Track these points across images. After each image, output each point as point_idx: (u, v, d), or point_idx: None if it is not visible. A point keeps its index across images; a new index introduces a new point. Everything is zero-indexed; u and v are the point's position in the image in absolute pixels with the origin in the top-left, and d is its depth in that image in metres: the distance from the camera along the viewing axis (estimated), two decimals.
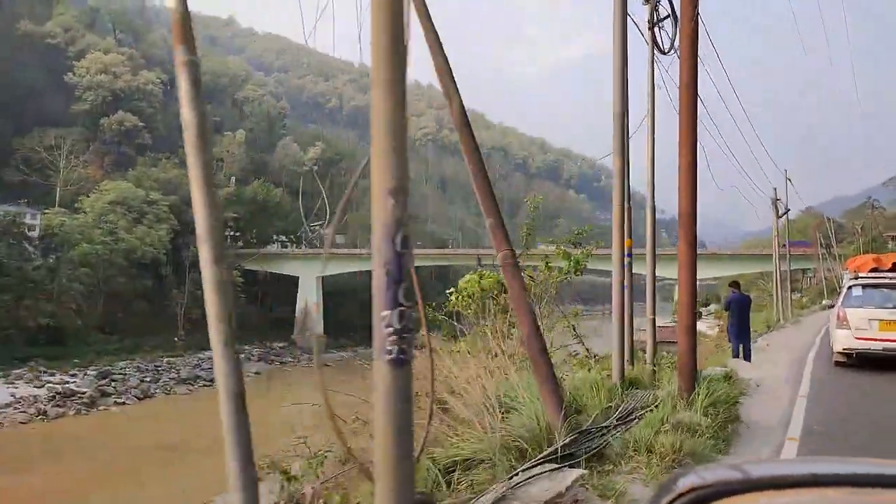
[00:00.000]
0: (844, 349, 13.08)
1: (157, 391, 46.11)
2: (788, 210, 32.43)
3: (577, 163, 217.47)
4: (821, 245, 47.19)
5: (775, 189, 32.09)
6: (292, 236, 74.56)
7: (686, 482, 1.17)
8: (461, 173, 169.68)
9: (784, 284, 30.43)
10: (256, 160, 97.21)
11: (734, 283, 16.50)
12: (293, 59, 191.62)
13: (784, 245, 64.59)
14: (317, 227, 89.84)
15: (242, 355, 54.09)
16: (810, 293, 55.24)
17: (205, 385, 49.83)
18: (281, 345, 65.31)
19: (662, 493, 1.20)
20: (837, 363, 13.49)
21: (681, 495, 1.15)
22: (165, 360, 52.47)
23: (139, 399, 43.80)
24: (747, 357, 15.31)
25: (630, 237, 11.24)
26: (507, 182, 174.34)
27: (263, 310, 67.37)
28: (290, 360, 62.87)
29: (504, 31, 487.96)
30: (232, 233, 72.57)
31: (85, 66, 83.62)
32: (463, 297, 11.84)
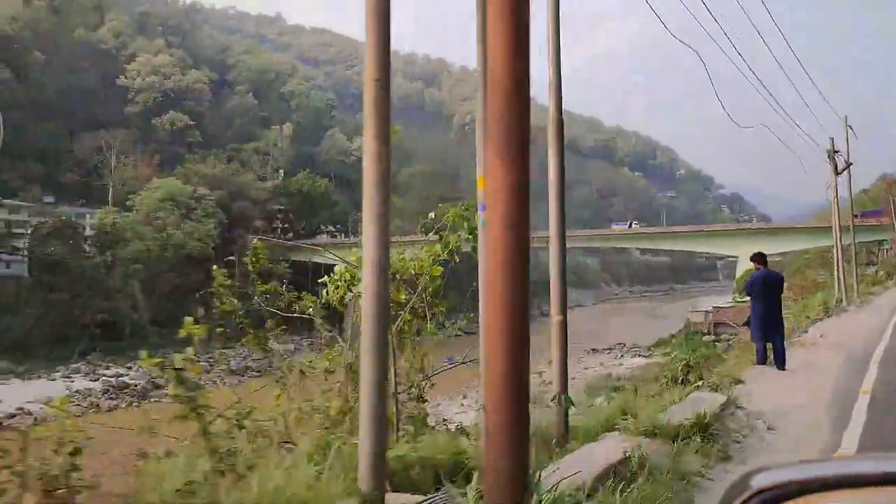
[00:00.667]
0: None
1: (207, 382, 46.37)
2: (850, 164, 27.96)
3: (629, 139, 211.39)
4: None
5: (832, 139, 27.90)
6: (339, 226, 74.40)
7: (757, 482, 1.16)
8: None
9: (847, 257, 27.41)
10: (304, 153, 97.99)
11: (757, 256, 11.76)
12: (339, 51, 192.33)
13: (854, 215, 60.50)
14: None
15: (292, 346, 54.36)
16: (886, 266, 50.98)
17: (253, 376, 50.08)
18: (329, 334, 65.42)
19: (733, 493, 1.17)
20: None
21: (753, 495, 1.13)
22: (218, 352, 53.02)
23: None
24: (780, 361, 10.89)
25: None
26: None
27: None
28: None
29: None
30: (281, 224, 73.10)
31: (136, 68, 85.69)
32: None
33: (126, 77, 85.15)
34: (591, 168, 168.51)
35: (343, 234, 73.05)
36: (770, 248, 62.31)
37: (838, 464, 1.54)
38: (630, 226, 58.77)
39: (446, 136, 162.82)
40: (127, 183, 57.70)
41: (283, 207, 68.88)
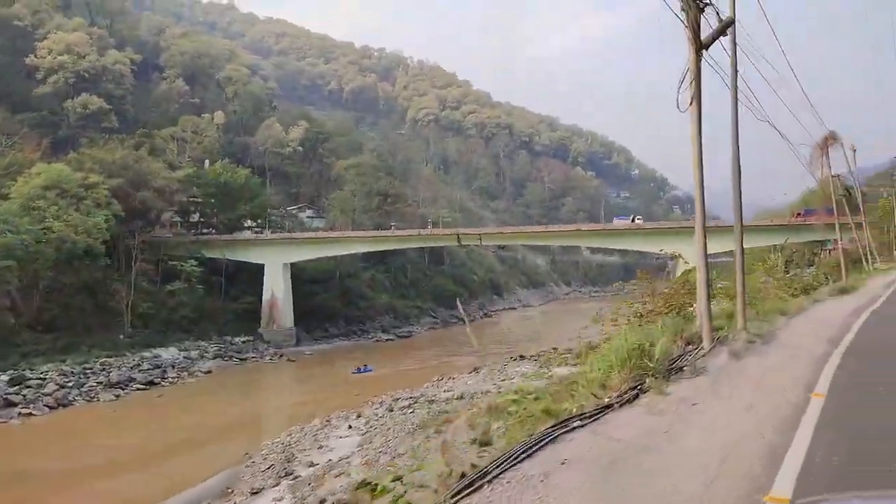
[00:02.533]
0: None
1: (78, 399, 39.95)
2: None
3: (585, 139, 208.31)
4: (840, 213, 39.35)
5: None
6: (259, 221, 68.07)
7: None
8: (464, 153, 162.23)
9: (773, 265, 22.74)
10: (238, 142, 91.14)
11: None
12: (292, 42, 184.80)
13: (798, 213, 57.09)
14: (295, 211, 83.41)
15: (195, 352, 46.85)
16: (825, 268, 46.82)
17: (138, 389, 43.73)
18: (244, 339, 58.99)
19: None
20: None
21: None
22: (100, 361, 46.34)
23: (51, 408, 37.66)
24: None
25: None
26: (512, 160, 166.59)
27: (228, 301, 61.06)
28: (252, 355, 56.51)
29: (518, 12, 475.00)
30: (198, 218, 66.37)
31: (47, 46, 77.84)
32: None
33: (36, 56, 77.06)
34: (545, 166, 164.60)
35: (262, 230, 66.73)
36: (717, 246, 58.45)
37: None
38: (633, 220, 54.15)
39: (397, 131, 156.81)
40: (11, 170, 50.42)
41: (196, 199, 62.18)
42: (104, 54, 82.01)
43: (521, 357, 49.15)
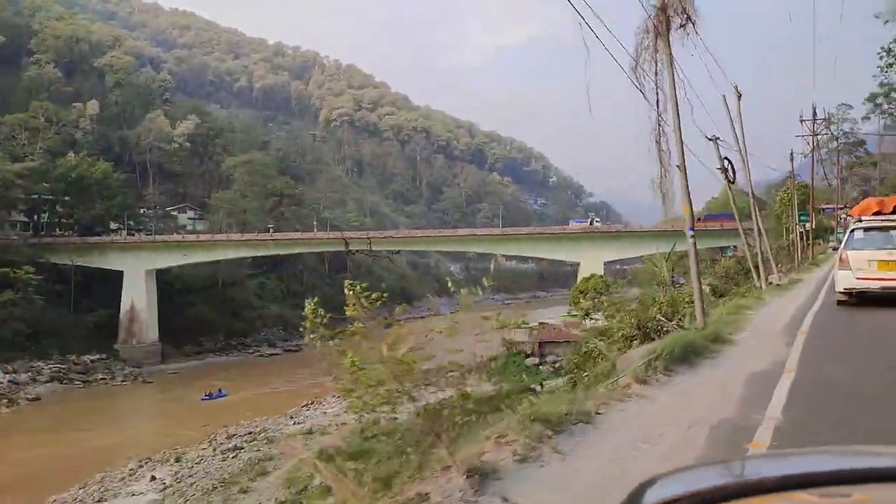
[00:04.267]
0: (845, 289, 12.90)
1: None
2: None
3: (504, 145, 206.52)
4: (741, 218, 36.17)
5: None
6: (130, 223, 59.78)
7: (653, 496, 1.04)
8: (380, 156, 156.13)
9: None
10: (114, 136, 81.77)
11: None
12: (198, 35, 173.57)
13: (698, 219, 54.73)
14: (175, 212, 75.10)
15: (26, 375, 38.36)
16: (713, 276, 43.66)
17: None
18: (96, 357, 50.81)
19: None
20: (839, 302, 12.99)
21: None
22: None
23: None
24: None
25: None
26: (429, 164, 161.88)
27: (81, 314, 52.64)
28: (102, 377, 48.55)
29: (439, 16, 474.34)
30: (46, 218, 57.50)
31: None
32: None
33: None
34: (461, 171, 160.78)
35: (124, 232, 58.38)
36: (615, 252, 54.93)
37: (736, 468, 1.29)
38: (591, 223, 49.64)
39: (308, 131, 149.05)
40: None
41: (43, 196, 53.53)
42: None
43: None
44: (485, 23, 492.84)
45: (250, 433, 29.07)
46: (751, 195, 23.80)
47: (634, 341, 13.71)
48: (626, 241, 50.84)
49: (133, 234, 59.17)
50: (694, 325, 11.12)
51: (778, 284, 19.52)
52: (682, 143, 11.63)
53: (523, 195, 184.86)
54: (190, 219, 76.19)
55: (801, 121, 39.59)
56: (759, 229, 22.72)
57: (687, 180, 11.76)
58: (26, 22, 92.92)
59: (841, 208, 43.42)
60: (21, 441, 32.70)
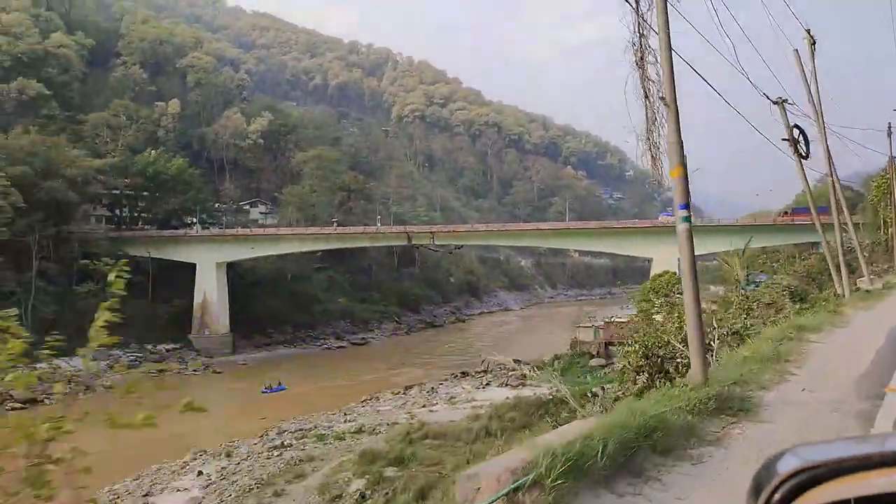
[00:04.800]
0: None
1: None
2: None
3: (579, 139, 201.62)
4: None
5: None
6: (198, 217, 61.38)
7: (787, 464, 1.04)
8: (450, 151, 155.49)
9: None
10: (195, 134, 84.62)
11: None
12: (277, 36, 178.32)
13: (784, 213, 49.80)
14: (247, 207, 76.85)
15: (105, 363, 40.65)
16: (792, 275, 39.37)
17: (14, 409, 37.25)
18: (171, 347, 52.49)
19: (763, 478, 1.04)
20: None
21: (785, 480, 1.01)
22: None
23: None
24: None
25: None
26: (500, 158, 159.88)
27: (156, 304, 54.49)
28: (174, 366, 49.90)
29: (517, 10, 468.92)
30: (127, 212, 59.88)
31: None
32: None
33: None
34: (532, 165, 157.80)
35: (200, 226, 59.99)
36: (700, 247, 51.43)
37: (878, 441, 1.22)
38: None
39: (380, 127, 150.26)
40: None
41: (122, 192, 55.70)
42: (48, 37, 75.67)
43: (464, 374, 42.60)
44: (563, 14, 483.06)
45: (301, 430, 28.67)
46: (830, 173, 19.90)
47: (641, 375, 10.23)
48: (704, 236, 47.69)
49: (207, 228, 60.74)
50: (686, 382, 7.06)
51: (867, 290, 16.64)
52: (671, 60, 7.91)
53: (598, 189, 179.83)
54: (261, 213, 77.87)
55: None
56: (840, 221, 19.39)
57: (679, 124, 7.91)
58: (115, 26, 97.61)
59: None
60: (85, 429, 33.72)
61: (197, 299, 54.21)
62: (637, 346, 10.42)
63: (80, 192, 50.46)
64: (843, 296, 16.28)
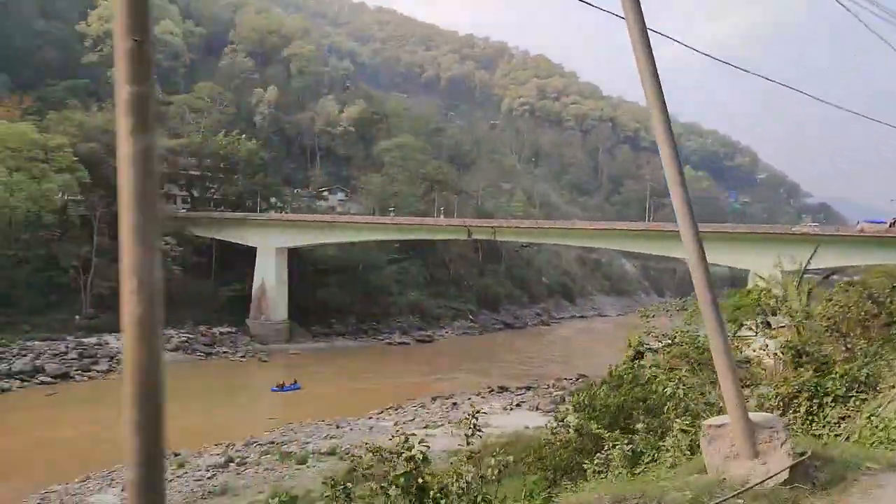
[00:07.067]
0: None
1: None
2: None
3: (704, 138, 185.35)
4: None
5: None
6: (273, 201, 59.75)
7: None
8: (558, 146, 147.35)
9: None
10: (291, 121, 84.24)
11: None
12: (396, 30, 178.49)
13: None
14: (326, 194, 74.77)
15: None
16: None
17: (42, 382, 36.47)
18: (226, 330, 50.88)
19: None
20: None
21: None
22: (27, 344, 39.67)
23: None
24: None
25: None
26: (611, 155, 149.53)
27: (218, 286, 53.31)
28: (224, 350, 48.28)
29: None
30: (196, 193, 59.36)
31: (98, 14, 74.78)
32: None
33: (87, 24, 74.20)
34: (647, 164, 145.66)
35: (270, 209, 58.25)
36: (813, 261, 41.83)
37: None
38: (891, 225, 36.98)
39: (487, 120, 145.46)
40: None
41: (192, 172, 55.07)
42: (156, 24, 78.05)
43: (503, 389, 36.81)
44: (707, 11, 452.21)
45: (274, 442, 24.60)
46: None
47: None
48: (830, 248, 38.64)
49: (279, 212, 59.03)
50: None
51: None
52: None
53: (721, 192, 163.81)
54: (339, 200, 75.72)
55: None
56: None
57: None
58: (230, 17, 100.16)
59: None
60: (92, 412, 31.88)
61: (255, 284, 52.39)
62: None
63: None
64: None
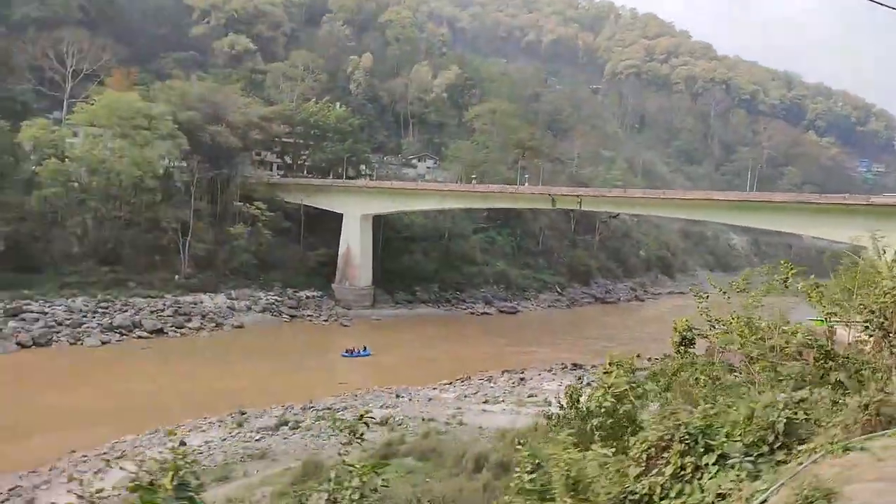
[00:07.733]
0: None
1: (62, 339, 36.13)
2: None
3: (834, 100, 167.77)
4: None
5: None
6: (361, 168, 60.13)
7: None
8: (665, 111, 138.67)
9: None
10: (382, 87, 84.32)
11: None
12: None
13: None
14: (415, 161, 74.36)
15: (245, 302, 40.29)
16: None
17: (139, 336, 38.96)
18: (312, 294, 52.13)
19: None
20: None
21: None
22: (130, 300, 42.46)
23: (24, 347, 34.30)
24: None
25: None
26: (724, 120, 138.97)
27: (306, 251, 54.69)
28: (308, 313, 49.59)
29: None
30: (288, 159, 60.81)
31: None
32: None
33: None
34: (764, 129, 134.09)
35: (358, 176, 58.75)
36: None
37: None
38: None
39: (589, 84, 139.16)
40: (90, 96, 48.63)
41: (281, 139, 56.36)
42: None
43: (576, 366, 35.02)
44: None
45: (329, 408, 24.62)
46: None
47: None
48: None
49: (366, 179, 59.51)
50: None
51: None
52: None
53: (851, 160, 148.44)
54: (428, 168, 75.17)
55: None
56: None
57: None
58: None
59: None
60: (177, 366, 33.55)
61: (341, 249, 53.22)
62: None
63: (241, 138, 51.63)
64: None
